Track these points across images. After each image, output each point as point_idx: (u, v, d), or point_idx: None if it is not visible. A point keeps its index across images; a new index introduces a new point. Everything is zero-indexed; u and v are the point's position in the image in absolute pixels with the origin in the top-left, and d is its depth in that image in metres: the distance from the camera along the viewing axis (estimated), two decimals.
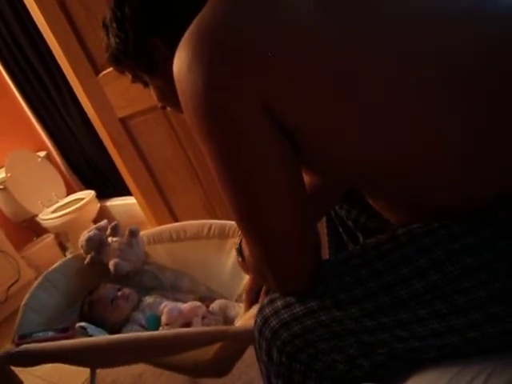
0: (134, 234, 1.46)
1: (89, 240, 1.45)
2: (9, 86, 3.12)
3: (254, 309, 0.95)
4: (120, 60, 0.76)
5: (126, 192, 2.56)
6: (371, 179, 0.62)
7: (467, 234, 0.54)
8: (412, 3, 0.58)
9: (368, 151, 0.57)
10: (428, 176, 0.57)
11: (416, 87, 0.55)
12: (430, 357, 0.55)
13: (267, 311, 0.62)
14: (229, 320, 1.22)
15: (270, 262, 0.61)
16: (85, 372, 1.35)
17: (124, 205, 3.04)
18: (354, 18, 0.56)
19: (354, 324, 0.56)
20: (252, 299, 0.92)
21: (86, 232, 1.49)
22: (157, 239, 1.52)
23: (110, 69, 1.65)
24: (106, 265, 1.43)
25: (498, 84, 0.55)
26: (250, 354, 1.28)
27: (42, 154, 3.11)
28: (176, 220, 1.95)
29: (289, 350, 0.58)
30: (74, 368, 1.25)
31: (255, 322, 0.64)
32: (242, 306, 1.09)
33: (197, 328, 1.14)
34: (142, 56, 0.72)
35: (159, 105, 0.81)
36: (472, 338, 0.53)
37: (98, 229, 1.49)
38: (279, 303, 0.62)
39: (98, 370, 1.39)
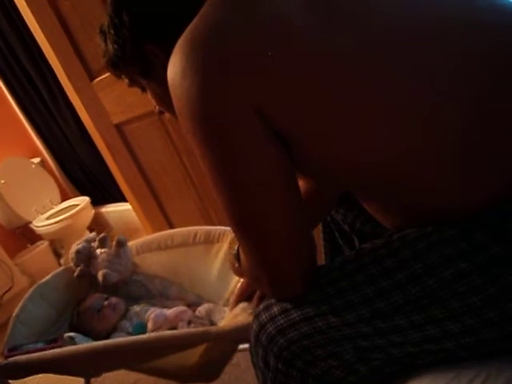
0: (121, 244, 1.45)
1: (78, 253, 1.45)
2: (3, 92, 3.11)
3: (237, 309, 0.95)
4: (118, 65, 0.76)
5: (121, 198, 2.55)
6: (370, 184, 0.62)
7: (460, 239, 0.54)
8: (412, 5, 0.59)
9: (368, 151, 0.57)
10: (428, 177, 0.57)
11: (416, 88, 0.55)
12: (425, 362, 0.55)
13: (263, 317, 0.62)
14: (215, 324, 1.21)
15: (265, 268, 0.61)
16: (80, 381, 1.34)
17: (119, 211, 3.03)
18: (353, 21, 0.57)
19: (350, 330, 0.56)
20: (240, 302, 0.92)
21: (75, 244, 1.48)
22: (146, 248, 1.51)
23: (105, 75, 1.65)
24: (95, 276, 1.42)
25: (498, 85, 0.56)
26: (245, 359, 1.27)
27: (37, 160, 3.10)
28: (171, 225, 1.95)
29: (285, 357, 0.58)
30: (69, 377, 1.24)
31: (251, 327, 0.64)
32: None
33: (180, 330, 1.13)
34: (140, 62, 0.72)
35: (156, 109, 0.81)
36: (467, 343, 0.53)
37: (87, 241, 1.49)
38: (275, 309, 0.62)
39: (93, 380, 1.37)
